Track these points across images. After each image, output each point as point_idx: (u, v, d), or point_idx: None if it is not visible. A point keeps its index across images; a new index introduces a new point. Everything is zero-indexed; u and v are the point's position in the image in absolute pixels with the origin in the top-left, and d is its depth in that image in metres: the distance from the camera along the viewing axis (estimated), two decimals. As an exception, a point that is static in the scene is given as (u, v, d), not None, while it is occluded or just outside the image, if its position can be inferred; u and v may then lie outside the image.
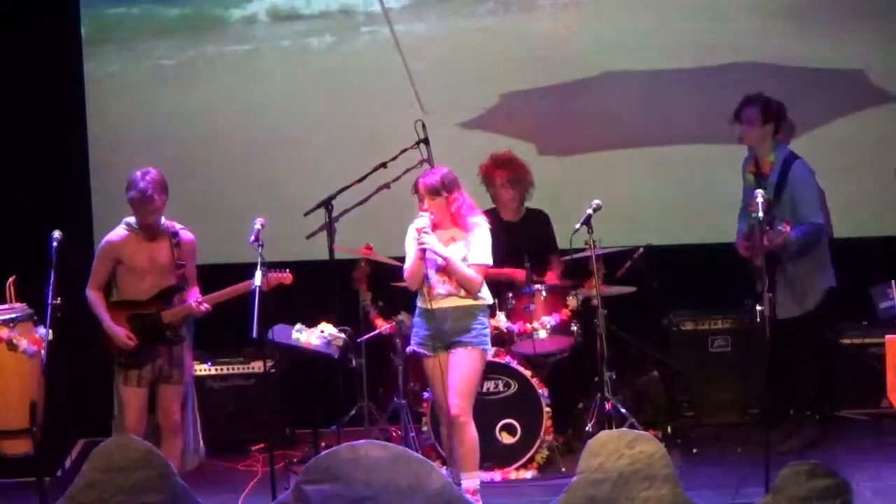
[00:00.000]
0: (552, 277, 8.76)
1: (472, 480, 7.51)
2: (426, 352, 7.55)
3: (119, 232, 7.79)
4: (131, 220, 7.78)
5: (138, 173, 7.68)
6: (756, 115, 8.41)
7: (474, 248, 7.48)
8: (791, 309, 8.40)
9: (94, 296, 7.79)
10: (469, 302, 7.49)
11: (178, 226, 7.85)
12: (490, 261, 7.55)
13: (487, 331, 7.56)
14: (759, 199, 7.73)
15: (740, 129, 8.51)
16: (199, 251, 8.01)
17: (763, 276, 7.70)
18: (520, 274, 8.62)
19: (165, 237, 7.78)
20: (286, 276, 7.87)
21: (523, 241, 8.78)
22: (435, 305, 7.47)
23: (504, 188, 8.82)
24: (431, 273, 7.48)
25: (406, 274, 7.55)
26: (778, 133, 8.50)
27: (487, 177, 8.88)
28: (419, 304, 7.58)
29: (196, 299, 7.77)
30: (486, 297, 7.58)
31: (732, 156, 9.24)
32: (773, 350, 7.91)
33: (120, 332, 7.72)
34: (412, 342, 7.64)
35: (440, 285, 7.48)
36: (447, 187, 7.48)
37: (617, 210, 8.56)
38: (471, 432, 7.51)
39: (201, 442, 8.15)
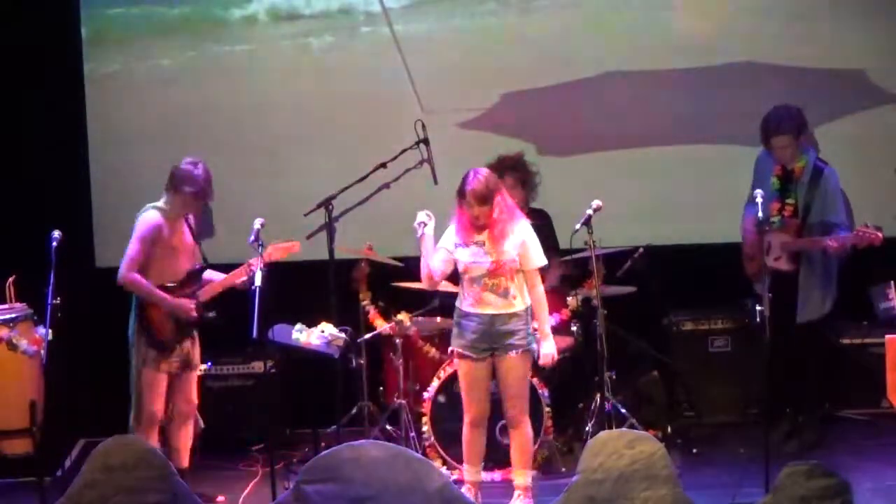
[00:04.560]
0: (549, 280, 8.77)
1: (524, 478, 7.61)
2: (470, 354, 7.54)
3: (155, 215, 7.83)
4: (160, 203, 7.84)
5: (191, 167, 7.78)
6: (790, 142, 8.37)
7: (529, 253, 7.51)
8: (815, 311, 8.42)
9: (138, 277, 7.76)
10: (511, 310, 7.50)
11: None
12: (545, 261, 7.63)
13: (530, 329, 7.56)
14: (759, 199, 7.77)
15: (774, 149, 8.45)
16: (199, 250, 8.07)
17: (764, 276, 7.72)
18: None
19: (184, 217, 7.89)
20: (293, 245, 7.89)
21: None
22: (482, 310, 7.49)
23: (514, 189, 8.81)
24: (480, 279, 7.49)
25: (422, 274, 7.57)
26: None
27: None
28: (461, 307, 7.57)
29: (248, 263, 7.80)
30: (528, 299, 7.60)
31: (732, 156, 9.27)
32: (780, 351, 7.93)
33: (185, 303, 7.77)
34: (455, 342, 7.62)
35: (488, 292, 7.49)
36: (492, 192, 7.48)
37: (617, 210, 8.56)
38: (527, 431, 7.61)
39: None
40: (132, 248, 7.82)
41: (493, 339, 7.51)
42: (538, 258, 7.56)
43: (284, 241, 7.96)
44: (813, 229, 8.37)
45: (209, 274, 8.02)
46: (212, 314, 7.89)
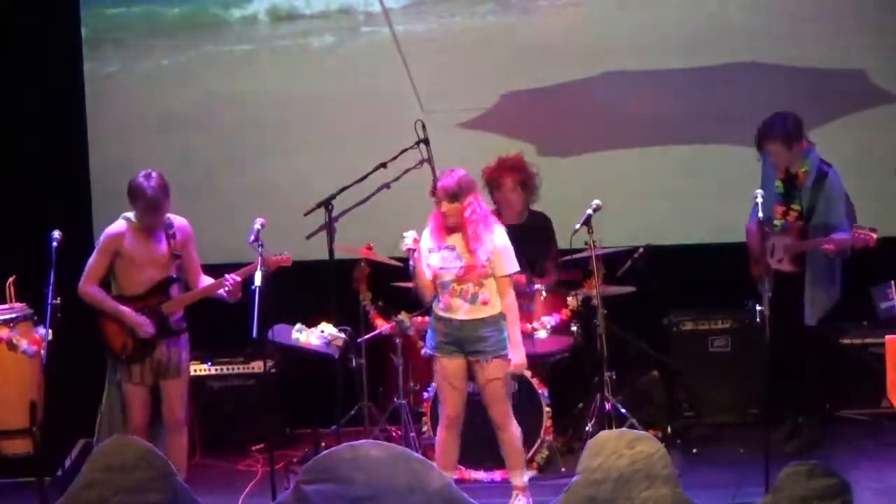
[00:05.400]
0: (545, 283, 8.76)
1: (520, 478, 7.62)
2: (440, 354, 7.52)
3: (119, 225, 7.77)
4: (130, 214, 7.77)
5: (142, 181, 7.63)
6: (780, 149, 8.37)
7: (501, 259, 7.44)
8: (820, 312, 8.41)
9: (94, 290, 7.73)
10: (482, 314, 7.45)
11: (170, 215, 7.84)
12: (517, 268, 7.55)
13: (504, 335, 7.48)
14: (759, 200, 7.77)
15: (769, 156, 8.46)
16: (199, 251, 8.01)
17: (764, 276, 7.73)
18: (519, 279, 8.60)
19: (162, 229, 7.79)
20: (285, 258, 7.86)
21: (525, 245, 8.76)
22: (451, 315, 7.47)
23: (514, 192, 8.80)
24: (448, 283, 7.47)
25: (415, 290, 7.58)
26: (801, 142, 8.47)
27: (495, 180, 8.86)
28: (435, 310, 7.55)
29: (226, 276, 7.74)
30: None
31: (732, 156, 9.27)
32: (780, 351, 7.92)
33: (140, 319, 7.70)
34: (427, 345, 7.61)
35: (456, 297, 7.47)
36: (463, 191, 7.42)
37: (617, 210, 8.56)
38: (514, 432, 7.58)
39: None
40: (91, 259, 7.77)
41: (463, 344, 7.47)
42: (510, 265, 7.48)
43: (276, 255, 7.89)
44: (816, 232, 8.37)
45: (202, 280, 7.94)
46: (179, 327, 7.84)
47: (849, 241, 8.18)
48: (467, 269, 7.42)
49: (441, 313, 7.50)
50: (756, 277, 8.47)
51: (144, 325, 7.71)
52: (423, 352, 7.70)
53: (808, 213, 8.41)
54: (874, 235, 8.10)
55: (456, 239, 7.46)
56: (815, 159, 8.46)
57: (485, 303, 7.45)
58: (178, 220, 7.85)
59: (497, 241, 7.45)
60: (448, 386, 7.53)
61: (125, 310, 7.71)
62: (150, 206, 7.64)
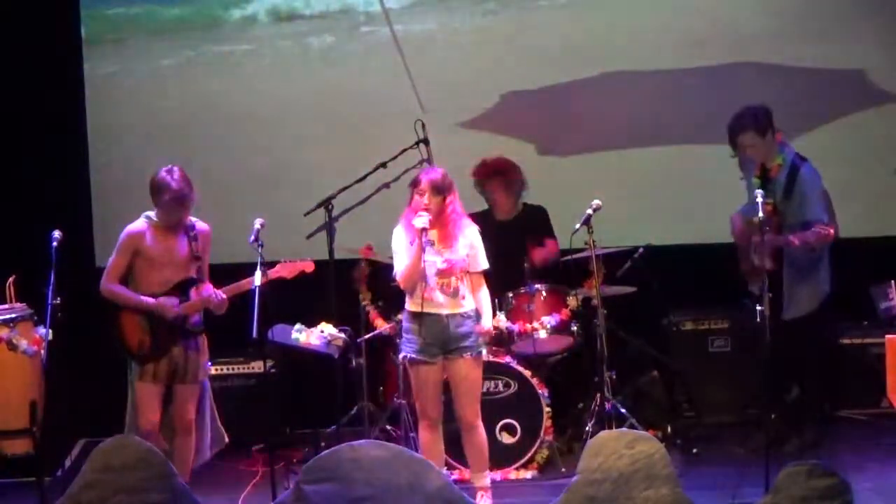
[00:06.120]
0: (539, 254, 8.74)
1: (484, 479, 7.64)
2: (425, 358, 7.51)
3: (139, 224, 7.75)
4: (151, 213, 7.75)
5: (165, 175, 7.64)
6: (752, 138, 8.34)
7: (478, 255, 7.56)
8: (800, 309, 8.37)
9: (115, 286, 7.71)
10: (461, 309, 7.50)
11: (193, 218, 7.83)
12: (487, 265, 7.63)
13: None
14: (759, 200, 7.76)
15: (742, 155, 8.43)
16: (204, 266, 7.99)
17: (763, 276, 7.71)
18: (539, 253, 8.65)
19: (183, 230, 7.77)
20: (308, 263, 7.88)
21: (518, 239, 8.77)
22: (433, 311, 7.48)
23: (497, 194, 8.85)
24: (430, 278, 7.48)
25: (403, 275, 7.52)
26: (775, 134, 8.46)
27: (479, 183, 8.90)
28: (413, 308, 7.53)
29: (213, 291, 7.76)
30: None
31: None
32: (777, 351, 7.90)
33: (164, 301, 7.68)
34: (407, 349, 7.57)
35: (437, 291, 7.49)
36: (448, 188, 7.51)
37: (617, 210, 8.56)
38: (482, 434, 7.62)
39: (221, 429, 8.13)
40: (111, 258, 7.78)
41: (446, 341, 7.48)
42: (484, 261, 7.58)
43: (299, 260, 7.91)
44: (791, 228, 8.32)
45: (206, 288, 7.93)
46: (196, 328, 7.83)
47: (810, 237, 8.13)
48: (449, 263, 7.46)
49: (421, 309, 7.48)
50: (745, 275, 8.45)
51: (169, 304, 7.68)
52: (402, 356, 7.65)
53: (781, 207, 8.34)
54: (832, 231, 8.06)
55: (433, 234, 7.50)
56: (789, 153, 8.42)
57: (463, 297, 7.51)
58: (200, 224, 7.84)
59: (474, 238, 7.56)
60: (430, 389, 7.54)
61: (148, 300, 7.70)
62: (177, 200, 7.63)
